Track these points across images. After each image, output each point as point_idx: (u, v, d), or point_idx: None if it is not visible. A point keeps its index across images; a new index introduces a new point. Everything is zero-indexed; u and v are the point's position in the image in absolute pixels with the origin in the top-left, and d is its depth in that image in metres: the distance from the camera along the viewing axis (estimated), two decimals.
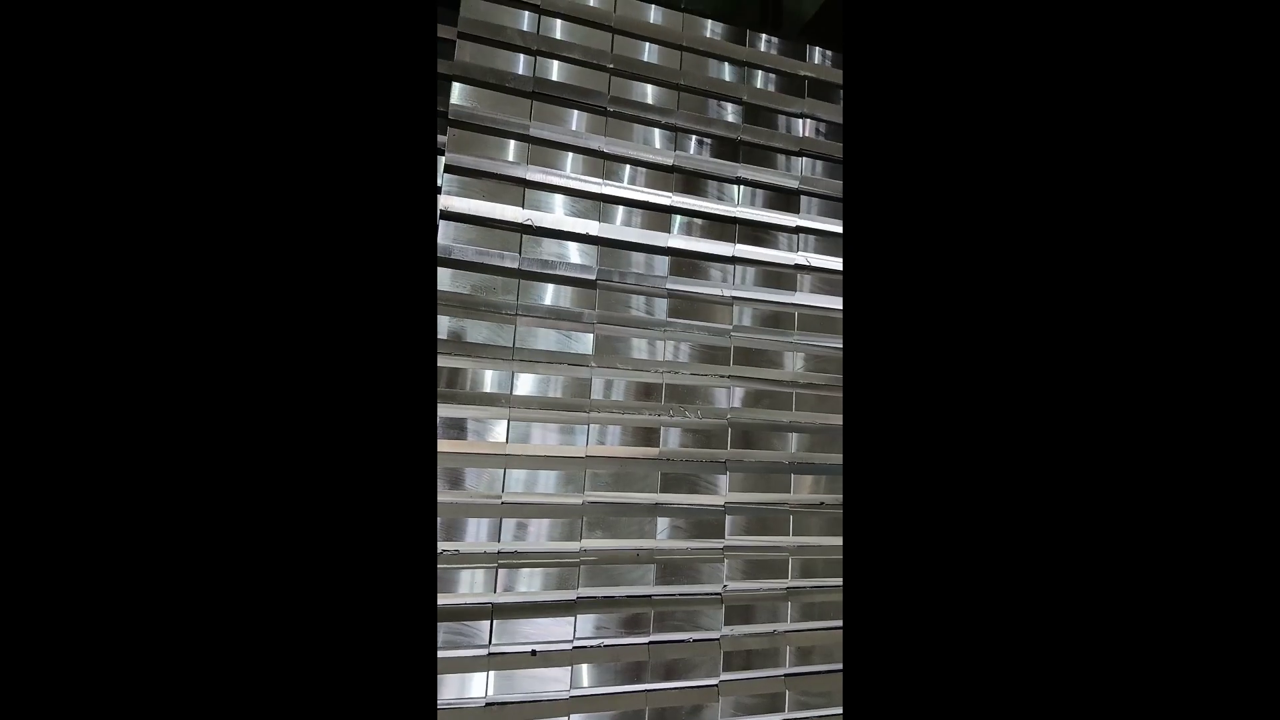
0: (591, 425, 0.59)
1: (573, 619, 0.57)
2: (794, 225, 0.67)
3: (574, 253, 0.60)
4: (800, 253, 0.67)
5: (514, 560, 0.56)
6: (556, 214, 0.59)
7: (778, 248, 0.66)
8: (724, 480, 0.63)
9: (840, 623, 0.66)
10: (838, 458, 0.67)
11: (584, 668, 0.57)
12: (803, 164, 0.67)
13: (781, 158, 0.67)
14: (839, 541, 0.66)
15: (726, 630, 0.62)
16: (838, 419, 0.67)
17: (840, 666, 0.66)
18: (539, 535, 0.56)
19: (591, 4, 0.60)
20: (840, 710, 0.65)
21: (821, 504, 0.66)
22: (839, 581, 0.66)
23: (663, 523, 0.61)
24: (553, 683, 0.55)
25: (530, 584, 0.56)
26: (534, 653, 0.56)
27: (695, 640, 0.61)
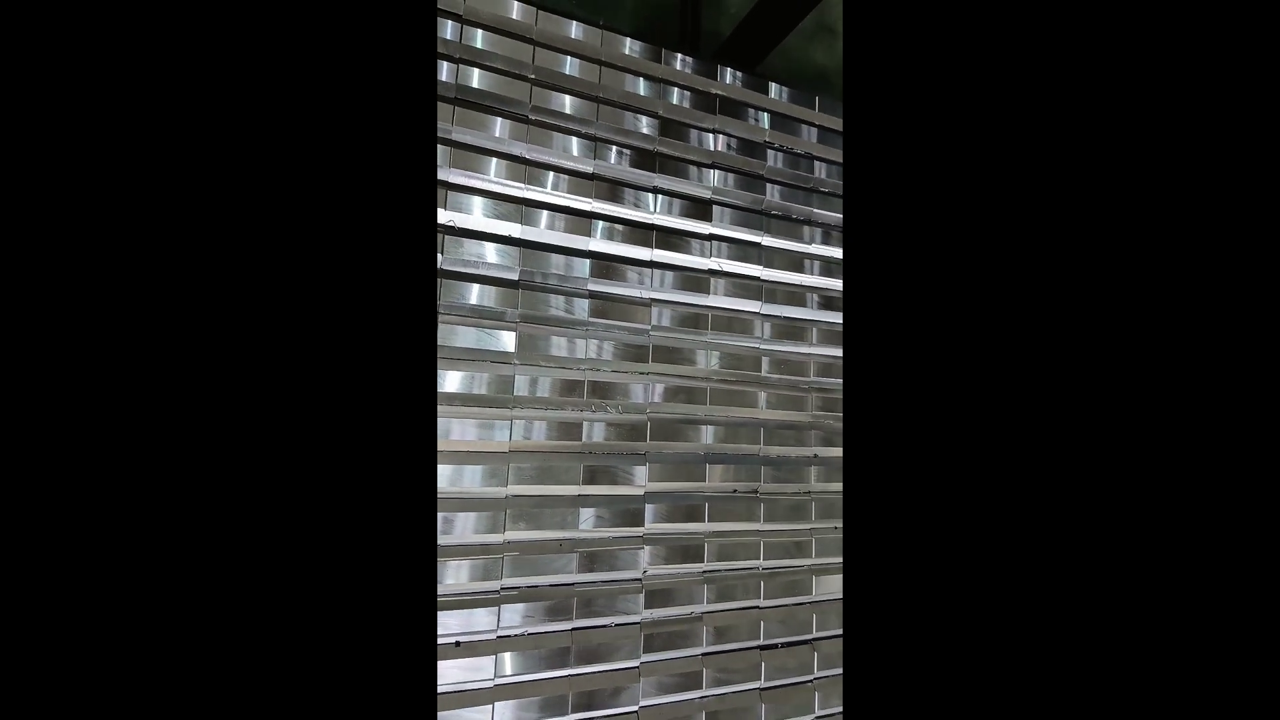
0: (515, 421, 0.61)
1: (497, 610, 0.58)
2: (707, 233, 0.72)
3: (496, 254, 0.62)
4: (713, 258, 0.72)
5: (439, 554, 0.57)
6: (476, 216, 0.61)
7: (692, 253, 0.71)
8: (643, 471, 0.66)
9: (755, 602, 0.71)
10: (748, 448, 0.72)
11: (507, 656, 0.58)
12: (715, 176, 0.73)
13: (695, 170, 0.71)
14: (752, 525, 0.71)
15: (647, 614, 0.65)
16: (748, 412, 0.72)
17: (756, 643, 0.71)
18: (464, 529, 0.58)
19: (514, 16, 0.63)
20: (756, 685, 0.70)
21: (735, 491, 0.71)
22: (754, 563, 0.71)
23: (586, 513, 0.64)
24: (476, 672, 0.57)
25: (457, 576, 0.57)
26: (458, 644, 0.57)
27: (617, 625, 0.64)
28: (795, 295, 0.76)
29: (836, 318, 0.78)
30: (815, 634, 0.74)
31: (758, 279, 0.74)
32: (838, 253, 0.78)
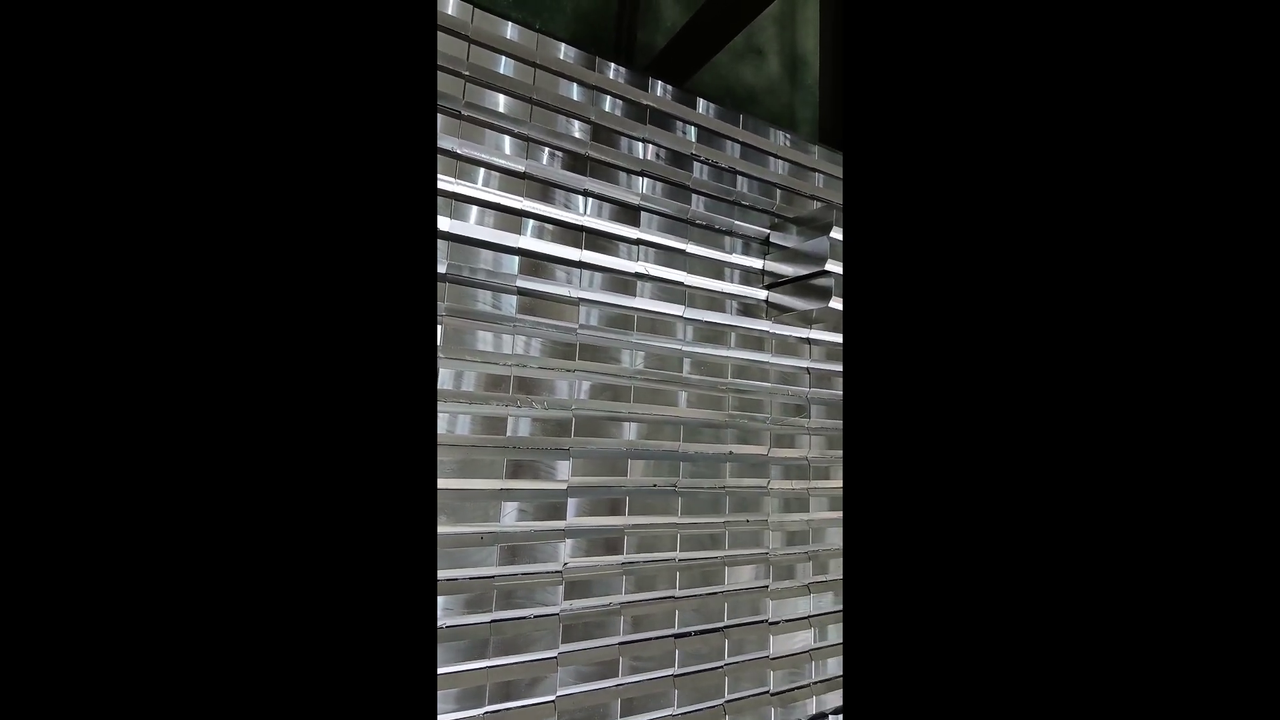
0: (439, 415, 0.61)
1: None
2: (635, 238, 0.75)
3: None
4: (640, 262, 0.75)
5: None
6: None
7: (619, 256, 0.74)
8: (566, 466, 0.68)
9: (672, 592, 0.74)
10: (668, 444, 0.75)
11: None
12: (644, 183, 0.76)
13: (624, 176, 0.74)
14: (670, 519, 0.75)
15: (566, 605, 0.67)
16: (670, 410, 0.76)
17: (672, 631, 0.74)
18: None
19: (449, 12, 0.63)
20: (671, 671, 0.73)
21: (654, 485, 0.74)
22: (671, 554, 0.75)
23: (508, 507, 0.64)
24: None
25: None
26: None
27: (536, 616, 0.65)
28: (715, 301, 0.80)
29: (754, 323, 0.83)
30: (727, 621, 0.78)
31: (681, 284, 0.78)
32: (757, 263, 0.83)
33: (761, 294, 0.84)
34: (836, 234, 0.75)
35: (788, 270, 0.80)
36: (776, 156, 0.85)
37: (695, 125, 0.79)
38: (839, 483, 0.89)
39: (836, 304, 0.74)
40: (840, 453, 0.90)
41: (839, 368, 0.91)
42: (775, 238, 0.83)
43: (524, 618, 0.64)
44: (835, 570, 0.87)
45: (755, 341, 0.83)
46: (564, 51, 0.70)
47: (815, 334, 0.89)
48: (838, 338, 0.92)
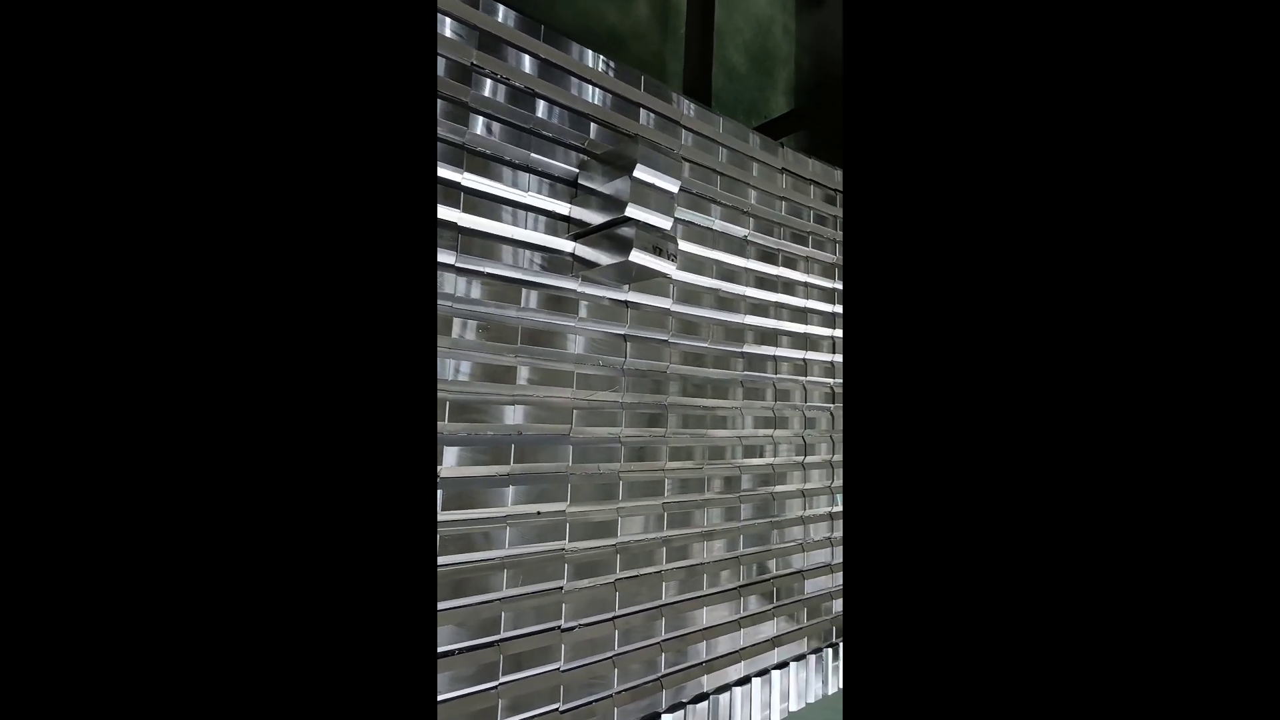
0: None
1: None
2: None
3: None
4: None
5: None
6: None
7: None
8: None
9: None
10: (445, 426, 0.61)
11: None
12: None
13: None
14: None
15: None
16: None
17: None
18: None
19: None
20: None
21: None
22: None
23: None
24: None
25: None
26: None
27: None
28: (502, 250, 0.66)
29: (559, 280, 0.70)
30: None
31: (454, 225, 0.63)
32: (563, 207, 0.70)
33: (569, 245, 0.70)
34: (642, 173, 0.63)
35: (593, 218, 0.68)
36: (592, 83, 0.72)
37: (480, 30, 0.63)
38: (655, 465, 0.79)
39: (639, 257, 0.62)
40: (663, 431, 0.80)
41: (662, 335, 0.81)
42: (583, 179, 0.70)
43: None
44: (645, 564, 0.78)
45: (558, 302, 0.70)
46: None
47: (635, 296, 0.77)
48: (663, 302, 0.81)
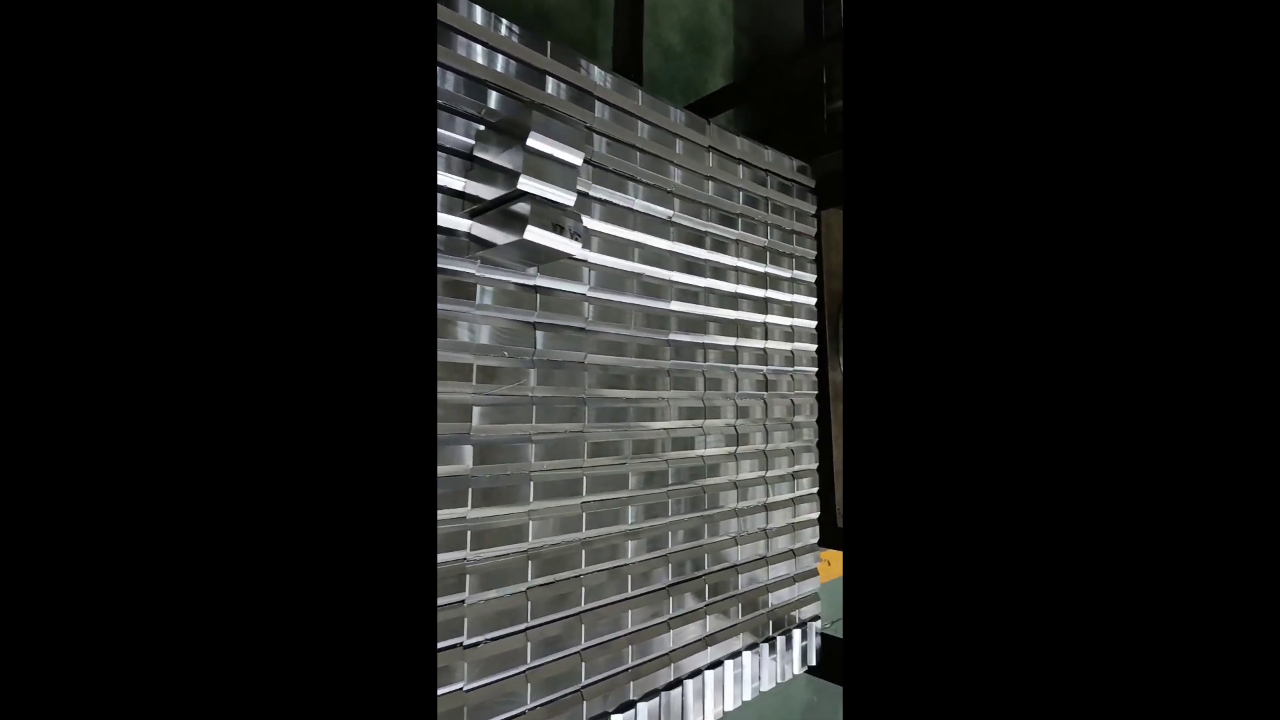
0: None
1: None
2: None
3: None
4: None
5: None
6: None
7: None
8: None
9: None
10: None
11: None
12: None
13: None
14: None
15: None
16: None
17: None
18: None
19: None
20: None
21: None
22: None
23: None
24: None
25: None
26: None
27: None
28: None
29: (455, 263, 0.63)
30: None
31: None
32: (458, 182, 0.63)
33: (465, 224, 0.64)
34: (537, 141, 0.57)
35: (491, 194, 0.61)
36: (484, 44, 0.65)
37: None
38: (573, 463, 0.74)
39: (536, 235, 0.56)
40: (580, 426, 0.75)
41: (577, 322, 0.75)
42: (478, 150, 0.63)
43: None
44: (560, 569, 0.72)
45: (453, 287, 0.63)
46: None
47: (545, 281, 0.71)
48: (578, 287, 0.75)
